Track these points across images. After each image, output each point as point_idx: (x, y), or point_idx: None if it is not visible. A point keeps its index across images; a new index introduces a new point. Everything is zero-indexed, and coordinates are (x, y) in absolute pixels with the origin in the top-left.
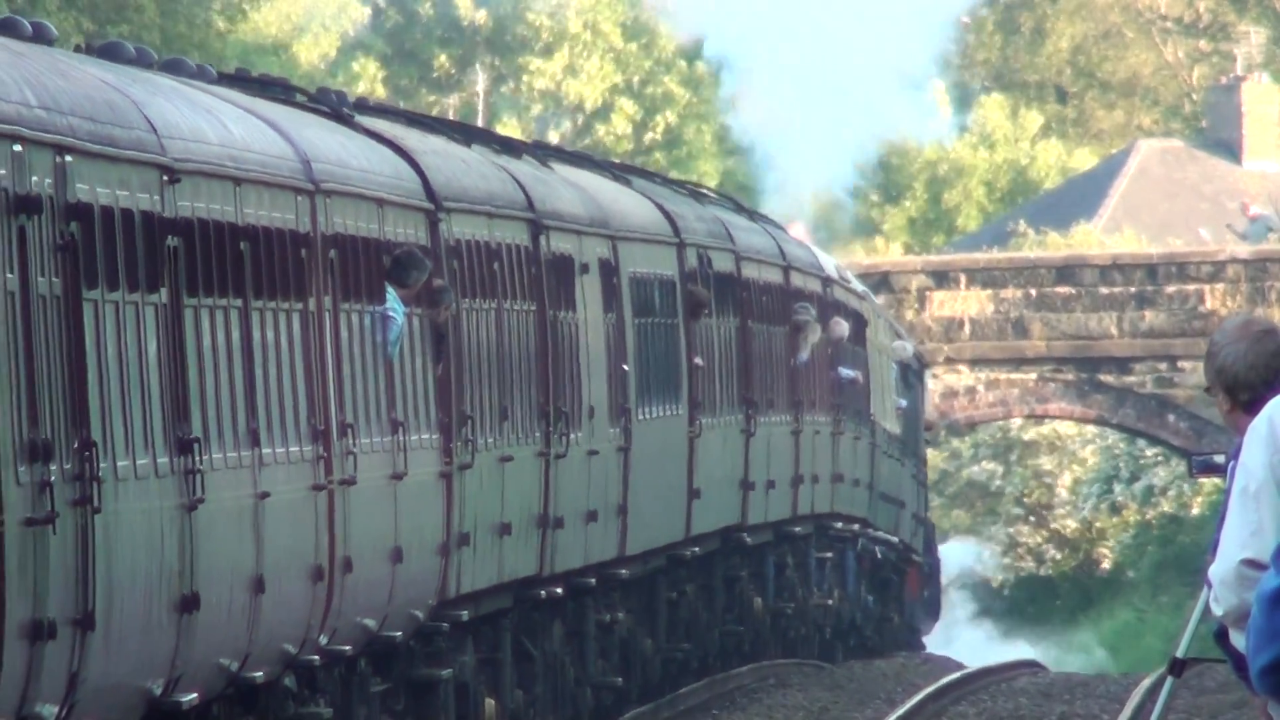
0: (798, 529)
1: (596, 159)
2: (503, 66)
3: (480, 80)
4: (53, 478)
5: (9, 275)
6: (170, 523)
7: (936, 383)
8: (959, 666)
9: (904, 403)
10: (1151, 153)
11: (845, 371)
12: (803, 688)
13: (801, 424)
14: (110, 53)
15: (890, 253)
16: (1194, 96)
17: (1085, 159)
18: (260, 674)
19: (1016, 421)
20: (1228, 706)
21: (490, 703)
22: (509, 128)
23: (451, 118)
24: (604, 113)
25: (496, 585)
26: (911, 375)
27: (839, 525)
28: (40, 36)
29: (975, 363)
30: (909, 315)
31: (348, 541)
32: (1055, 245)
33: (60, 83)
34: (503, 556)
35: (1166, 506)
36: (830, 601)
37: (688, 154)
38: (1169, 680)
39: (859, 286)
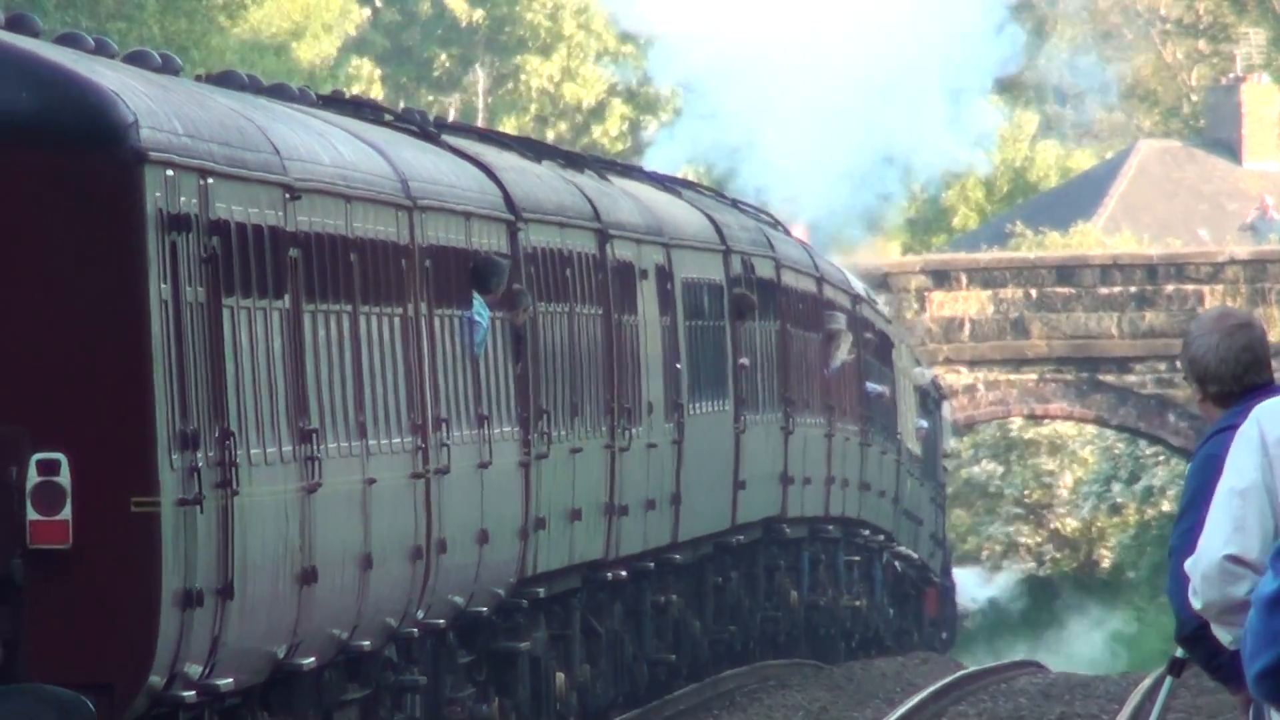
0: (830, 527)
1: (648, 171)
2: (500, 66)
3: (480, 80)
4: (199, 463)
5: (163, 286)
6: (293, 504)
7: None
8: (959, 666)
9: (925, 424)
10: (1151, 153)
11: (873, 386)
12: (802, 688)
13: (834, 428)
14: (225, 80)
15: (889, 253)
16: (1193, 97)
17: (1085, 159)
18: (367, 643)
19: (1016, 421)
20: (1227, 706)
21: (560, 676)
22: (509, 128)
23: (452, 118)
24: (599, 113)
25: (568, 567)
26: (930, 402)
27: (866, 533)
28: (168, 67)
29: (975, 363)
30: (909, 315)
31: (442, 524)
32: (1054, 245)
33: (199, 112)
34: (574, 540)
35: (1166, 506)
36: (859, 603)
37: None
38: (1168, 680)
39: (886, 309)
